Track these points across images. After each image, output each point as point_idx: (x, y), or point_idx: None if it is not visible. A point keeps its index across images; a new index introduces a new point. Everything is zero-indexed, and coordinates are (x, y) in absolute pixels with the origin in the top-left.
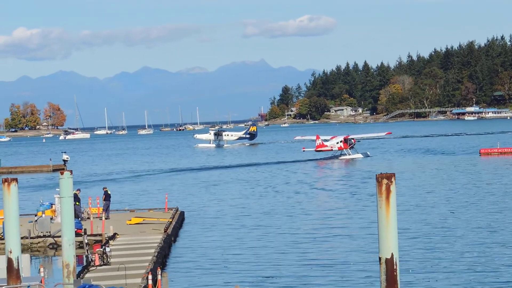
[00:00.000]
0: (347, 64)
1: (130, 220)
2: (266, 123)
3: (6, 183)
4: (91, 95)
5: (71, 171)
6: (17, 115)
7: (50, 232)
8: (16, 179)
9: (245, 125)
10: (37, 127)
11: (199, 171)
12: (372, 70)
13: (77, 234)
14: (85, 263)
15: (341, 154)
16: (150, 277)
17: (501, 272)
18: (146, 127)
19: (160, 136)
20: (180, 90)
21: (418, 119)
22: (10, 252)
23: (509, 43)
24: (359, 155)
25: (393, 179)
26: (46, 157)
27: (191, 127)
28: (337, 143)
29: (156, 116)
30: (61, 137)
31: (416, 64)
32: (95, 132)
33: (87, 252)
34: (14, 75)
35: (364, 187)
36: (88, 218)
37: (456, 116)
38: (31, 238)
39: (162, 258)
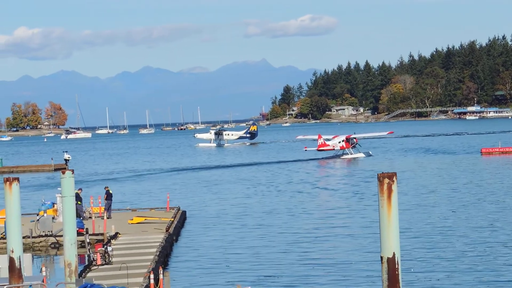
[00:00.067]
0: (349, 63)
1: (132, 219)
2: (268, 122)
3: (8, 183)
4: (93, 95)
5: (72, 171)
6: (19, 114)
7: (52, 231)
8: (17, 179)
9: (247, 124)
10: (39, 126)
11: (200, 170)
12: (373, 69)
13: (79, 234)
14: (87, 263)
15: (343, 154)
16: (152, 276)
17: (502, 271)
18: (148, 126)
19: (162, 135)
20: (182, 90)
21: (420, 118)
22: (12, 252)
23: (510, 43)
24: (361, 155)
25: (394, 179)
26: (48, 156)
27: (192, 126)
28: (339, 142)
29: (158, 115)
30: (63, 137)
31: (418, 64)
32: (96, 132)
33: (89, 252)
34: (15, 75)
35: (366, 187)
36: (90, 217)
37: (458, 116)
38: (33, 237)
39: (163, 258)
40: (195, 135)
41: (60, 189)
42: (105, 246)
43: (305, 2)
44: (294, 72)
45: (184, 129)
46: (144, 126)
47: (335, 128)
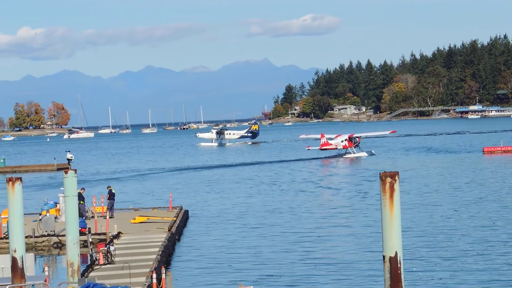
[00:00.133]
0: (351, 63)
1: (135, 219)
2: (270, 121)
3: (11, 182)
4: (95, 94)
5: (75, 170)
6: (22, 114)
7: (54, 231)
8: (20, 178)
9: (249, 123)
10: (41, 126)
11: (203, 169)
12: (375, 68)
13: (82, 233)
14: (89, 262)
15: (345, 153)
16: (154, 276)
17: (504, 270)
18: (150, 126)
19: (164, 135)
20: (184, 89)
21: (422, 117)
22: (15, 251)
23: None
24: (364, 154)
25: (397, 178)
26: (51, 156)
27: (195, 126)
28: (342, 141)
29: (160, 115)
30: (65, 136)
31: (419, 63)
32: (99, 131)
33: (92, 251)
34: (18, 75)
35: (368, 186)
36: (93, 217)
37: (459, 115)
38: (36, 237)
39: (166, 257)
40: (197, 134)
41: (62, 188)
42: (108, 246)
43: (307, 1)
44: (296, 72)
45: (187, 128)
46: (147, 126)
47: (337, 127)
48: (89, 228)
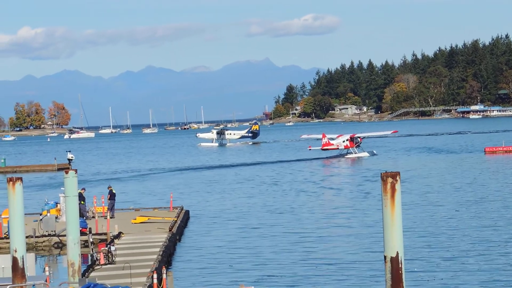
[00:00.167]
0: (352, 62)
1: (135, 219)
2: (271, 121)
3: (11, 182)
4: (96, 94)
5: (76, 170)
6: (22, 114)
7: (55, 231)
8: (21, 178)
9: (250, 123)
10: (42, 126)
11: (203, 170)
12: (376, 68)
13: (82, 233)
14: (90, 262)
15: (347, 153)
16: (155, 276)
17: (506, 270)
18: (151, 126)
19: (165, 135)
20: (185, 89)
21: (423, 117)
22: (15, 251)
23: None
24: (365, 154)
25: (398, 178)
26: (51, 156)
27: (196, 126)
28: (343, 141)
29: (161, 115)
30: (66, 136)
31: (421, 63)
32: (99, 131)
33: (92, 251)
34: (18, 74)
35: (369, 186)
36: (93, 217)
37: (461, 115)
38: (36, 237)
39: (167, 257)
40: (197, 134)
41: (63, 188)
42: (108, 246)
43: (307, 1)
44: (297, 71)
45: (188, 128)
46: (148, 126)
47: (339, 127)
48: (90, 228)
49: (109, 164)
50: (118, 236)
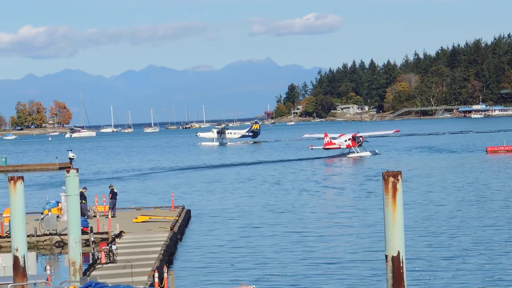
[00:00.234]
0: (354, 62)
1: (137, 218)
2: (273, 121)
3: (12, 181)
4: (97, 93)
5: (77, 169)
6: (23, 113)
7: (56, 230)
8: (22, 177)
9: (251, 123)
10: (43, 125)
11: (204, 169)
12: (378, 68)
13: (83, 232)
14: (91, 261)
15: (349, 152)
16: (156, 275)
17: (508, 270)
18: (152, 125)
19: (166, 134)
20: (186, 89)
21: (425, 117)
22: (17, 250)
23: None
24: (367, 153)
25: (399, 177)
26: (52, 155)
27: (197, 125)
28: (345, 141)
29: (162, 114)
30: (67, 135)
31: (423, 62)
32: (101, 130)
33: (93, 250)
34: (20, 74)
35: (371, 185)
36: (94, 216)
37: (463, 114)
38: (38, 236)
39: (168, 256)
40: (198, 134)
41: (64, 187)
42: (110, 245)
43: (309, 0)
44: (299, 71)
45: (189, 127)
46: (149, 125)
47: (340, 126)
48: (91, 227)
49: (110, 163)
50: (119, 235)
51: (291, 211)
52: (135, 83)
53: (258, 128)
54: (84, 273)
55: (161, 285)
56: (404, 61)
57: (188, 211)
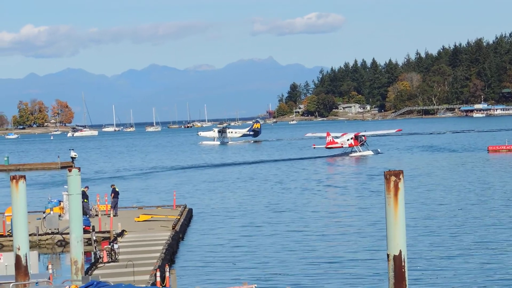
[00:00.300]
0: (355, 61)
1: (138, 217)
2: (274, 120)
3: (14, 180)
4: (99, 93)
5: (79, 168)
6: (25, 112)
7: (58, 229)
8: (24, 177)
9: (253, 122)
10: (45, 124)
11: (206, 168)
12: (380, 67)
13: (85, 231)
14: (93, 260)
15: (351, 151)
16: (158, 274)
17: (509, 269)
18: (154, 124)
19: (168, 133)
20: (188, 88)
21: (426, 116)
22: (19, 249)
23: None
24: (369, 152)
25: (401, 176)
26: (54, 154)
27: (199, 124)
28: (348, 140)
29: (164, 113)
30: (69, 134)
31: (424, 61)
32: (103, 129)
33: (95, 249)
34: (22, 73)
35: (373, 184)
36: (96, 215)
37: (465, 113)
38: (39, 235)
39: (170, 255)
40: (199, 133)
41: (66, 187)
42: (112, 244)
43: None
44: (301, 70)
45: (191, 127)
46: (151, 124)
47: (342, 125)
48: (93, 226)
49: (112, 162)
50: (121, 234)
51: (293, 210)
52: (137, 82)
53: (259, 127)
54: (86, 272)
55: (163, 284)
56: (406, 60)
57: (190, 210)
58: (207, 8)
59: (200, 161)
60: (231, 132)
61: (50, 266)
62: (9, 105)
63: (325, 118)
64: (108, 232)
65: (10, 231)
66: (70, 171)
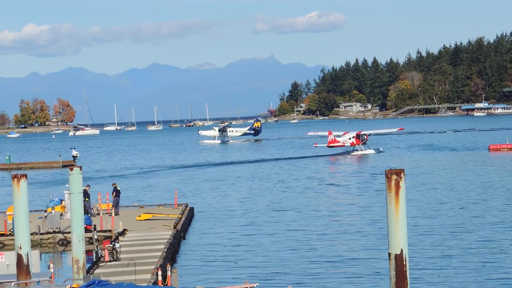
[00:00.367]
0: (357, 60)
1: (140, 216)
2: (276, 119)
3: (16, 179)
4: (101, 92)
5: (80, 167)
6: (27, 111)
7: (59, 228)
8: (25, 175)
9: (254, 120)
10: (47, 123)
11: (207, 167)
12: (381, 66)
13: (87, 230)
14: (94, 259)
15: (353, 150)
16: (159, 273)
17: (510, 268)
18: (156, 123)
19: (169, 132)
20: (190, 87)
21: (427, 115)
22: (20, 248)
23: None
24: (371, 151)
25: (402, 175)
26: (56, 153)
27: (200, 123)
28: (349, 138)
29: (166, 112)
30: (71, 133)
31: (425, 60)
32: (104, 128)
33: (97, 248)
34: (23, 72)
35: (375, 183)
36: (98, 214)
37: (465, 112)
38: (41, 234)
39: (171, 254)
40: (199, 132)
41: (68, 185)
42: (113, 243)
43: None
44: (302, 69)
45: (192, 125)
46: (152, 123)
47: (344, 124)
48: (95, 225)
49: (113, 161)
50: (122, 233)
51: (294, 209)
52: (138, 81)
53: (259, 126)
54: (88, 271)
55: (165, 283)
56: (406, 59)
57: (191, 209)
58: (208, 7)
59: (202, 160)
60: (232, 131)
61: (51, 265)
62: (11, 104)
63: (326, 117)
64: (110, 231)
65: (11, 230)
66: (71, 170)
